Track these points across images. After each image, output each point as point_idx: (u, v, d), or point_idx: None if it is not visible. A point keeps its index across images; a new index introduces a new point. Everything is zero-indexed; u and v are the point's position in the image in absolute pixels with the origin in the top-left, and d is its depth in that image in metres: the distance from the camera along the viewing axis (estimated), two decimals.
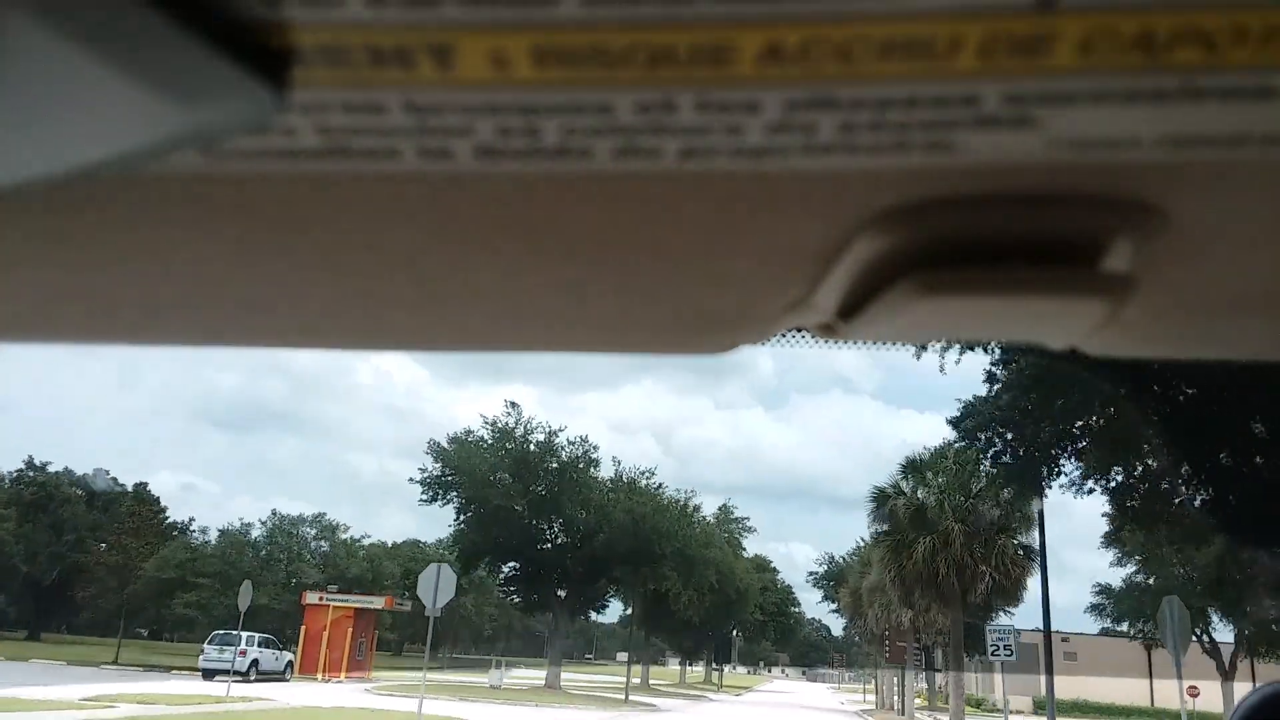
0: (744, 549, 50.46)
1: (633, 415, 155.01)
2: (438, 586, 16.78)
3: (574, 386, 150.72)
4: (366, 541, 61.45)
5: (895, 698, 36.57)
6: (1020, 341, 0.52)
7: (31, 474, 51.82)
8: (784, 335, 0.50)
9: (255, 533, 54.79)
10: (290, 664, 34.12)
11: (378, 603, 37.37)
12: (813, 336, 0.48)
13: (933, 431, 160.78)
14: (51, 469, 52.69)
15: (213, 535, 55.79)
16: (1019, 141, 0.29)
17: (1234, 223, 0.35)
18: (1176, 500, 13.06)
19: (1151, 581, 28.64)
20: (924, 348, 10.91)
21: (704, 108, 0.27)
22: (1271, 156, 0.29)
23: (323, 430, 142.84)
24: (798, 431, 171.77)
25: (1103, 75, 0.26)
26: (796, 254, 0.37)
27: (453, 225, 0.36)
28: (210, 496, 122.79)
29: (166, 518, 55.13)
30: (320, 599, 35.58)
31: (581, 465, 36.35)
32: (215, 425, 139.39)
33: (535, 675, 39.49)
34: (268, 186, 0.33)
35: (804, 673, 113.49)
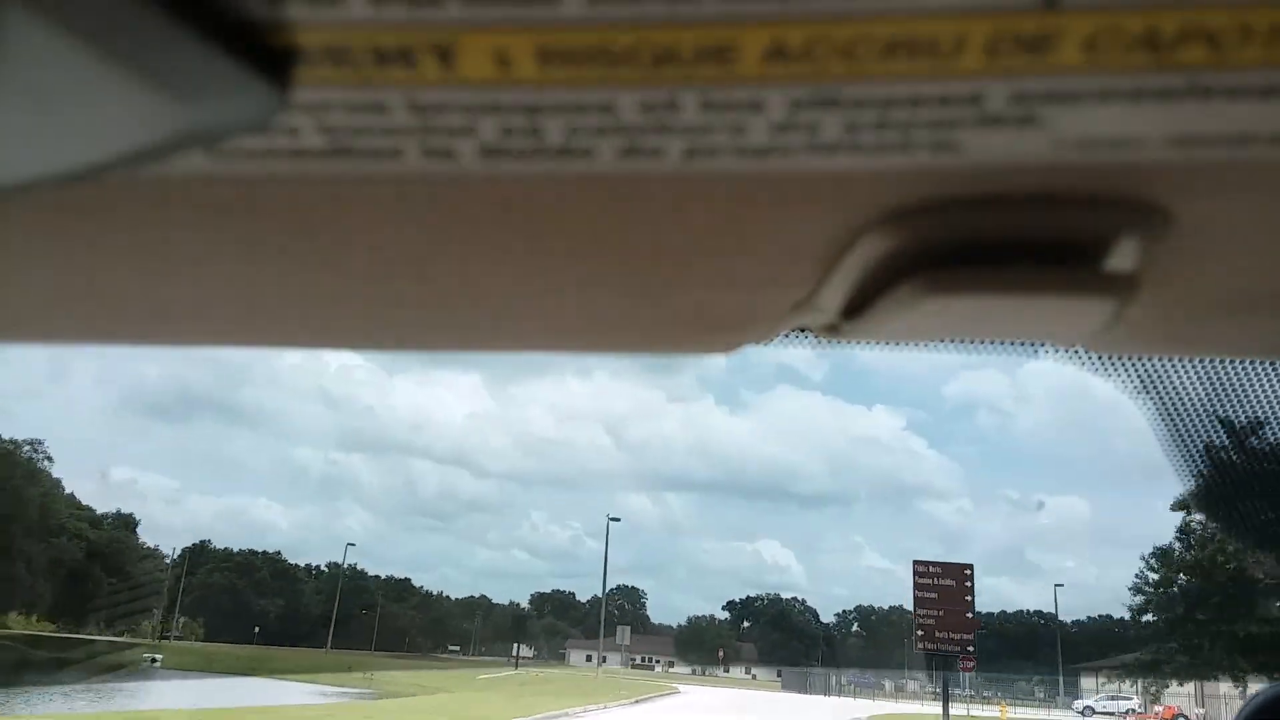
0: None
1: (582, 406, 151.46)
2: None
3: (518, 374, 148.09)
4: None
5: None
6: (1026, 341, 0.52)
7: None
8: (788, 335, 0.50)
9: None
10: None
11: None
12: (816, 337, 0.48)
13: (881, 426, 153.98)
14: None
15: None
16: (1024, 141, 0.29)
17: (1240, 222, 0.35)
18: None
19: None
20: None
21: (708, 107, 0.27)
22: (1277, 156, 0.29)
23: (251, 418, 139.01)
24: (754, 426, 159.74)
25: (1108, 74, 0.26)
26: (800, 254, 0.38)
27: (455, 225, 0.36)
28: (160, 491, 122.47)
29: None
30: None
31: None
32: (147, 414, 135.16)
33: None
34: (270, 186, 0.33)
35: (779, 674, 76.54)
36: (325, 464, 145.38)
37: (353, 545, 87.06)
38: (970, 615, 23.59)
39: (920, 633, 23.20)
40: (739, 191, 0.33)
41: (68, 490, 61.74)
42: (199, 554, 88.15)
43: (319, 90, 0.27)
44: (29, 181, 0.29)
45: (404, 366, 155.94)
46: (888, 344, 0.51)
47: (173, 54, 0.23)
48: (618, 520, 49.36)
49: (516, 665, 50.35)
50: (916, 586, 23.43)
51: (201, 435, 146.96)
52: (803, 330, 0.48)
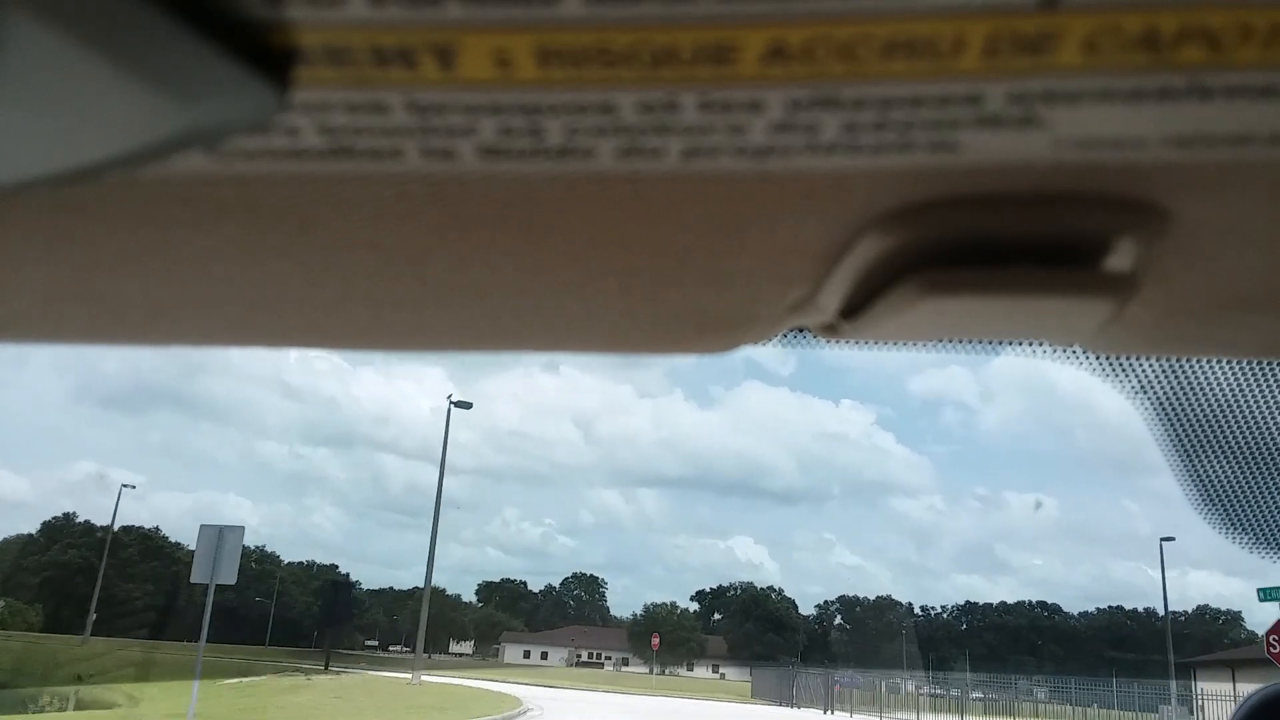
0: None
1: (551, 400, 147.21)
2: None
3: (485, 368, 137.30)
4: None
5: None
6: (1024, 341, 0.53)
7: None
8: (786, 335, 0.51)
9: None
10: None
11: None
12: (815, 336, 0.48)
13: (849, 422, 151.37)
14: None
15: None
16: (1023, 141, 0.29)
17: (1239, 222, 0.35)
18: None
19: None
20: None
21: (707, 107, 0.28)
22: (1277, 156, 0.30)
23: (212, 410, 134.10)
24: (723, 422, 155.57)
25: (1107, 74, 0.26)
26: (799, 254, 0.38)
27: (455, 225, 0.36)
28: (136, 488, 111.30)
29: None
30: None
31: None
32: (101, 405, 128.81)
33: None
34: (270, 187, 0.34)
35: (752, 674, 62.33)
36: (291, 458, 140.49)
37: (131, 487, 71.65)
38: None
39: None
40: (738, 192, 0.33)
41: None
42: (59, 529, 73.48)
43: (319, 90, 0.27)
44: (29, 181, 0.30)
45: (367, 359, 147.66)
46: (887, 344, 0.51)
47: (173, 54, 0.23)
48: (468, 406, 38.46)
49: (327, 666, 36.46)
50: None
51: (160, 428, 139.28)
52: (801, 330, 0.48)
